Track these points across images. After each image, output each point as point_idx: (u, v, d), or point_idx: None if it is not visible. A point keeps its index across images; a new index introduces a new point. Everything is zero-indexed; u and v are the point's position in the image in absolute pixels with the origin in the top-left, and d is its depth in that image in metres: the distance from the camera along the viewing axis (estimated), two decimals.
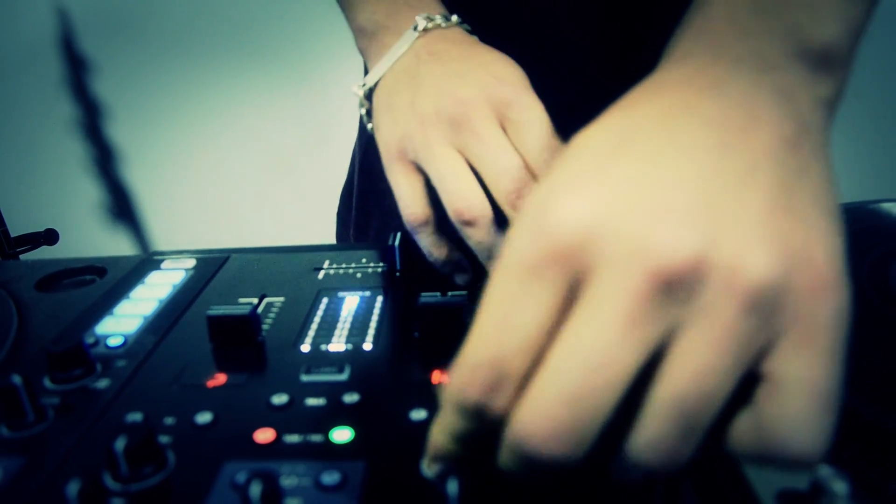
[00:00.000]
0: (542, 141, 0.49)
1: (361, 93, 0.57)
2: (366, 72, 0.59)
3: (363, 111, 0.58)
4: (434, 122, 0.50)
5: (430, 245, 0.54)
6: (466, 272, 0.55)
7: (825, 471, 0.30)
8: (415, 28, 0.55)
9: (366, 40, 0.59)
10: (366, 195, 0.86)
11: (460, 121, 0.49)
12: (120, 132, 1.92)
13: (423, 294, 0.49)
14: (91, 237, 2.00)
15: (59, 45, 1.82)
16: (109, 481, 0.34)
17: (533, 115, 0.49)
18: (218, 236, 1.99)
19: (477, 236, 0.49)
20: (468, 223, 0.49)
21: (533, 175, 0.48)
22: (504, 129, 0.50)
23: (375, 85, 0.56)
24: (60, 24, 1.80)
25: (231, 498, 0.33)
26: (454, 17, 0.57)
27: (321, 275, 0.59)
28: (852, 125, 1.84)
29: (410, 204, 0.52)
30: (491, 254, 0.50)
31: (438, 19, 0.56)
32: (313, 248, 0.65)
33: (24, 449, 0.38)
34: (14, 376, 0.38)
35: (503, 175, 0.48)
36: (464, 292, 0.53)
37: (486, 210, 0.49)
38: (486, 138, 0.49)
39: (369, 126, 0.58)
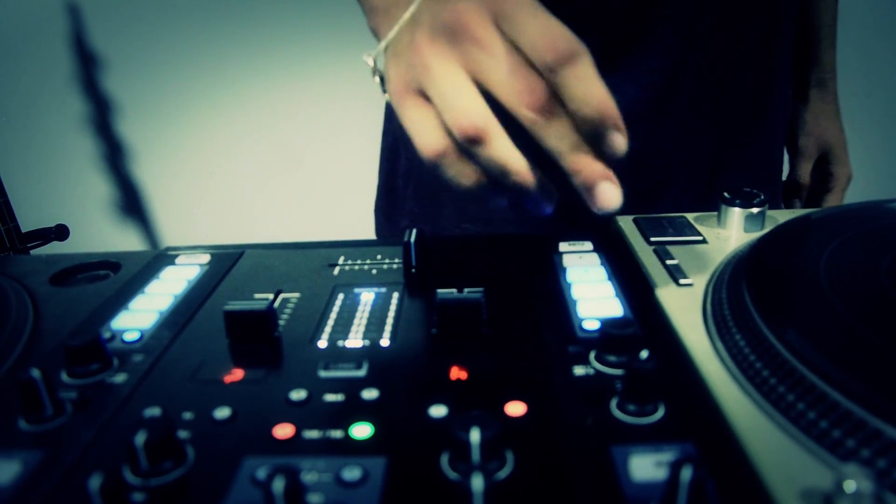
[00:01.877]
0: (537, 21, 0.45)
1: (372, 60, 0.55)
2: None
3: (377, 79, 0.56)
4: (430, 41, 0.48)
5: (457, 174, 0.50)
6: (502, 192, 0.51)
7: (850, 469, 0.29)
8: None
9: (378, 18, 0.58)
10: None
11: (457, 31, 0.46)
12: (130, 128, 1.92)
13: (439, 291, 0.49)
14: (101, 233, 2.01)
15: (69, 41, 1.82)
16: (129, 476, 0.34)
17: (529, 5, 0.46)
18: (228, 232, 1.99)
19: (485, 153, 0.46)
20: (473, 140, 0.45)
21: (535, 62, 0.45)
22: (500, 29, 0.46)
23: (385, 52, 0.54)
24: (71, 21, 1.80)
25: (252, 493, 0.33)
26: None
27: (336, 271, 0.59)
28: (868, 125, 1.84)
29: (424, 136, 0.48)
30: (506, 171, 0.47)
31: None
32: (328, 244, 0.65)
33: (42, 443, 0.38)
34: (33, 370, 0.38)
35: (511, 75, 0.45)
36: (480, 289, 0.53)
37: (490, 122, 0.45)
38: (486, 42, 0.45)
39: (386, 96, 0.56)
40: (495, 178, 0.47)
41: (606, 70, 0.75)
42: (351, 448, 0.36)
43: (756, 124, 0.88)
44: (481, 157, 0.46)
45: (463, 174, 0.49)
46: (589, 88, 0.44)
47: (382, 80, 0.55)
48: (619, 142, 0.46)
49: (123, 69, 1.86)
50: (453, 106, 0.46)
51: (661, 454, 0.35)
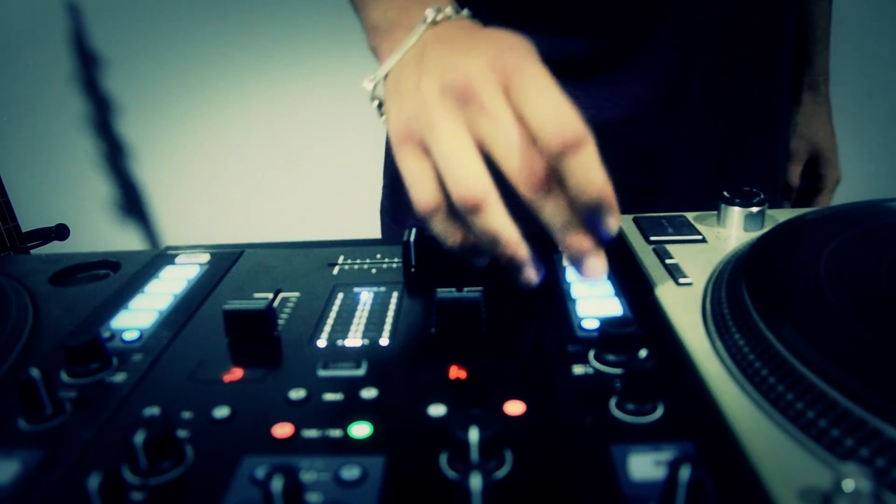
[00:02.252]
0: (547, 101, 0.45)
1: (371, 86, 0.56)
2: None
3: (374, 104, 0.57)
4: (439, 99, 0.48)
5: (444, 231, 0.50)
6: (484, 255, 0.52)
7: (849, 468, 0.29)
8: (425, 21, 0.54)
9: (378, 38, 0.59)
10: None
11: (465, 94, 0.46)
12: (130, 128, 1.92)
13: (439, 290, 0.49)
14: (101, 233, 2.01)
15: (70, 41, 1.82)
16: (128, 475, 0.34)
17: (538, 78, 0.46)
18: (228, 232, 1.99)
19: (480, 222, 0.46)
20: (471, 209, 0.46)
21: (540, 144, 0.45)
22: (509, 99, 0.46)
23: (385, 78, 0.55)
24: (71, 20, 1.80)
25: (251, 492, 0.33)
26: (465, 11, 0.56)
27: (336, 270, 0.59)
28: (869, 124, 1.84)
29: (419, 189, 0.49)
30: (498, 240, 0.47)
31: (448, 10, 0.55)
32: (327, 244, 0.65)
33: (42, 442, 0.38)
34: (32, 369, 0.38)
35: (514, 149, 0.45)
36: (480, 288, 0.53)
37: (489, 193, 0.45)
38: (493, 111, 0.46)
39: (382, 119, 0.57)
40: (485, 244, 0.48)
41: (613, 68, 0.76)
42: (350, 447, 0.36)
43: (760, 123, 0.88)
44: (475, 224, 0.47)
45: (450, 233, 0.50)
46: (591, 176, 0.44)
47: (380, 105, 0.56)
48: (613, 224, 0.47)
49: (124, 69, 1.86)
50: (455, 170, 0.46)
51: (659, 453, 0.35)
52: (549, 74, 0.47)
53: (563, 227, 0.46)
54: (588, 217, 0.46)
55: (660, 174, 0.84)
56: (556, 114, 0.44)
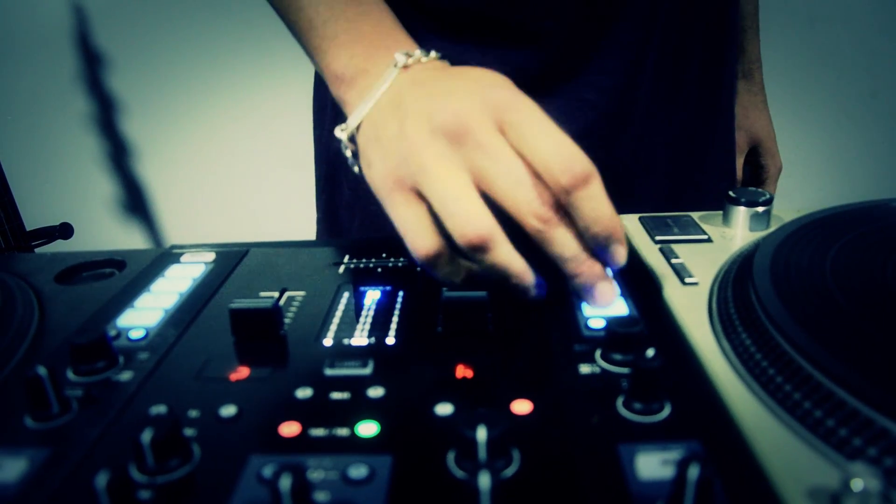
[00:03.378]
0: (549, 138, 0.45)
1: (345, 135, 0.54)
2: (344, 119, 0.56)
3: (348, 153, 0.55)
4: (430, 142, 0.47)
5: (448, 274, 0.50)
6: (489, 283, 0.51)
7: (857, 467, 0.29)
8: (395, 65, 0.53)
9: (344, 86, 0.57)
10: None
11: (460, 134, 0.46)
12: (135, 127, 1.92)
13: (445, 289, 0.49)
14: (105, 231, 2.01)
15: (74, 40, 1.83)
16: (136, 473, 0.34)
17: (533, 113, 0.46)
18: (233, 231, 1.99)
19: (488, 260, 0.46)
20: (477, 247, 0.45)
21: (548, 181, 0.45)
22: (505, 136, 0.46)
23: (358, 128, 0.54)
24: (76, 20, 1.80)
25: (258, 491, 0.33)
26: (433, 53, 0.55)
27: (341, 269, 0.59)
28: (873, 124, 1.84)
29: (417, 237, 0.48)
30: (508, 275, 0.47)
31: (418, 54, 0.54)
32: (332, 243, 0.65)
33: (49, 440, 0.38)
34: (39, 367, 0.38)
35: (519, 186, 0.45)
36: None
37: (494, 230, 0.45)
38: (492, 149, 0.45)
39: (356, 169, 0.55)
40: (496, 279, 0.47)
41: (566, 78, 0.75)
42: (357, 446, 0.36)
43: (712, 122, 0.87)
44: (484, 262, 0.46)
45: (456, 274, 0.50)
46: (600, 208, 0.45)
47: (355, 154, 0.55)
48: (622, 254, 0.47)
49: (128, 68, 1.86)
50: (456, 212, 0.45)
51: (667, 452, 0.35)
52: (537, 106, 0.47)
53: (571, 259, 0.47)
54: (596, 248, 0.47)
55: (619, 184, 0.81)
56: (560, 150, 0.44)
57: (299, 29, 0.62)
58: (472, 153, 0.46)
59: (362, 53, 0.56)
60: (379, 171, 0.50)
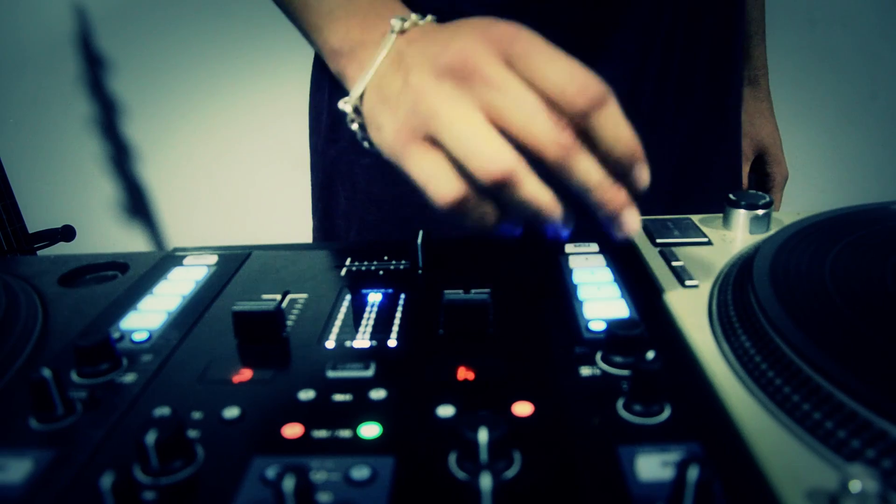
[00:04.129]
0: (559, 64, 0.44)
1: (350, 107, 0.53)
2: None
3: (355, 126, 0.54)
4: (436, 86, 0.45)
5: (478, 219, 0.47)
6: (519, 224, 0.50)
7: (855, 469, 0.29)
8: (392, 31, 0.52)
9: (343, 60, 0.57)
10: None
11: (466, 72, 0.44)
12: (136, 130, 1.93)
13: (446, 291, 0.49)
14: (108, 234, 2.01)
15: (76, 42, 1.83)
16: (140, 475, 0.34)
17: (539, 43, 0.45)
18: (235, 234, 1.99)
19: (517, 195, 0.44)
20: (503, 184, 0.43)
21: (564, 106, 0.43)
22: (513, 68, 0.45)
23: (362, 98, 0.53)
24: (78, 22, 1.81)
25: (261, 492, 0.34)
26: (429, 16, 0.54)
27: (343, 272, 0.59)
28: (873, 127, 1.84)
29: (440, 184, 0.46)
30: (538, 209, 0.45)
31: (414, 17, 0.53)
32: (334, 246, 0.65)
33: (53, 442, 0.38)
34: (44, 370, 0.39)
35: (535, 116, 0.43)
36: (487, 289, 0.53)
37: (517, 164, 0.43)
38: (501, 82, 0.44)
39: (365, 143, 0.55)
40: (526, 216, 0.46)
41: None
42: (359, 447, 0.37)
43: (717, 128, 0.86)
44: (512, 199, 0.45)
45: (486, 216, 0.48)
46: (619, 130, 0.44)
47: (362, 127, 0.54)
48: (645, 175, 0.46)
49: (130, 71, 1.87)
50: (476, 151, 0.44)
51: (667, 454, 0.35)
52: (545, 39, 0.45)
53: (596, 186, 0.45)
54: (619, 172, 0.46)
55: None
56: (573, 74, 0.44)
57: (294, 9, 0.62)
58: (481, 90, 0.44)
59: (359, 25, 0.56)
60: (390, 130, 0.49)
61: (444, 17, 0.67)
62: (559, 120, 0.44)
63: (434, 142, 0.46)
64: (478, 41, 0.45)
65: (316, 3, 0.59)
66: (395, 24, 0.52)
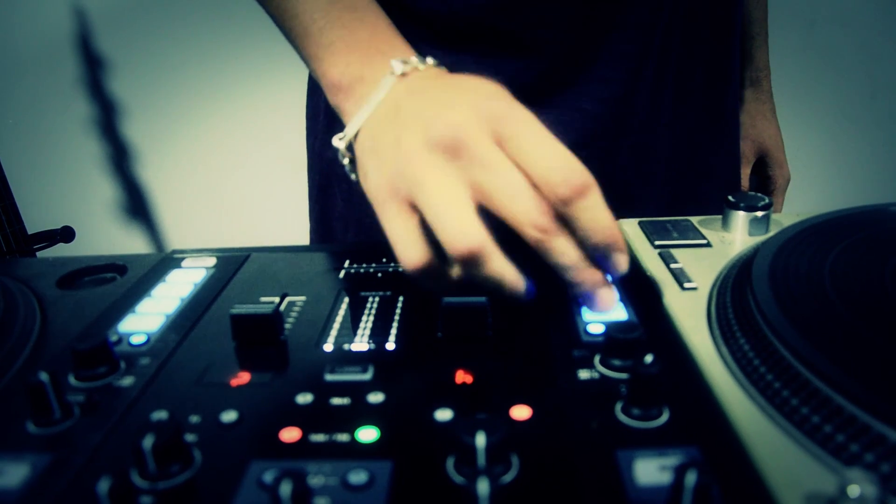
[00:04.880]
0: (546, 149, 0.45)
1: (343, 145, 0.54)
2: (337, 128, 0.56)
3: (346, 162, 0.55)
4: (425, 154, 0.46)
5: (437, 286, 0.49)
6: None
7: (854, 473, 0.29)
8: (392, 73, 0.53)
9: (342, 94, 0.57)
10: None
11: (456, 147, 0.45)
12: (136, 131, 1.93)
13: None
14: (107, 235, 2.01)
15: (75, 44, 1.83)
16: (137, 479, 0.34)
17: (530, 125, 0.46)
18: (234, 236, 1.99)
19: (483, 271, 0.45)
20: (470, 260, 0.44)
21: (546, 192, 0.45)
22: (502, 147, 0.46)
23: (356, 136, 0.53)
24: (77, 24, 1.81)
25: (259, 496, 0.33)
26: (430, 59, 0.55)
27: (342, 274, 0.59)
28: (872, 127, 1.84)
29: (407, 248, 0.47)
30: (501, 286, 0.46)
31: (415, 60, 0.54)
32: (333, 248, 0.65)
33: (51, 446, 0.38)
34: (41, 373, 0.39)
35: (518, 197, 0.44)
36: None
37: (486, 243, 0.44)
38: (489, 162, 0.45)
39: (353, 177, 0.55)
40: (489, 289, 0.47)
41: (562, 88, 0.75)
42: (357, 451, 0.37)
43: (715, 130, 0.86)
44: (478, 274, 0.46)
45: (445, 285, 0.49)
46: (599, 219, 0.45)
47: (352, 162, 0.55)
48: (623, 263, 0.47)
49: (129, 72, 1.86)
50: (448, 225, 0.45)
51: (665, 458, 0.35)
52: (534, 117, 0.46)
53: (571, 267, 0.46)
54: (597, 256, 0.47)
55: (619, 195, 0.79)
56: (558, 162, 0.44)
57: (295, 36, 0.62)
58: (468, 166, 0.45)
59: (358, 61, 0.56)
60: (374, 181, 0.50)
61: (441, 18, 0.67)
62: (540, 203, 0.45)
63: (413, 206, 0.47)
64: (472, 116, 0.46)
65: (317, 34, 0.59)
66: (397, 66, 0.53)
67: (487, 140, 0.45)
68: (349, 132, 0.54)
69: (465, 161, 0.45)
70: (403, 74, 0.53)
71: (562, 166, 0.44)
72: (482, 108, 0.46)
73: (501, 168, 0.45)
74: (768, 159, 1.01)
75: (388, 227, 0.49)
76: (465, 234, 0.44)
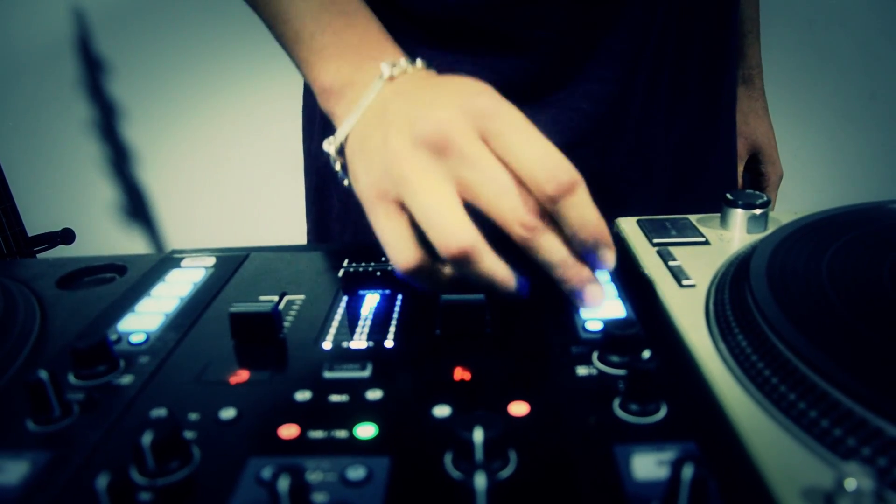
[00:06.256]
0: (533, 146, 0.45)
1: (333, 149, 0.54)
2: (332, 131, 0.56)
3: (338, 167, 0.55)
4: (412, 153, 0.46)
5: (430, 285, 0.50)
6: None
7: (851, 467, 0.29)
8: (380, 77, 0.53)
9: (332, 99, 0.57)
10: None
11: (442, 145, 0.45)
12: (135, 132, 1.93)
13: None
14: (107, 237, 2.01)
15: (75, 45, 1.83)
16: (136, 476, 0.34)
17: (517, 122, 0.46)
18: (233, 235, 1.99)
19: (475, 269, 0.45)
20: (461, 259, 0.45)
21: (533, 189, 0.45)
22: (488, 144, 0.46)
23: (346, 140, 0.53)
24: (77, 25, 1.81)
25: (257, 493, 0.34)
26: (419, 61, 0.55)
27: (340, 273, 0.59)
28: (872, 127, 1.84)
29: (398, 249, 0.48)
30: (493, 284, 0.46)
31: (403, 63, 0.54)
32: (332, 247, 0.66)
33: (50, 443, 0.38)
34: (41, 371, 0.39)
35: (504, 195, 0.44)
36: None
37: (477, 241, 0.45)
38: (475, 159, 0.45)
39: (346, 182, 0.55)
40: (481, 287, 0.47)
41: (558, 87, 0.75)
42: (355, 448, 0.37)
43: (711, 126, 0.86)
44: (468, 274, 0.46)
45: (437, 284, 0.49)
46: (586, 215, 0.45)
47: (344, 167, 0.55)
48: (610, 258, 0.47)
49: (129, 74, 1.87)
50: (439, 225, 0.45)
51: (663, 453, 0.35)
52: (521, 113, 0.46)
53: (559, 264, 0.46)
54: (584, 252, 0.47)
55: (616, 194, 0.81)
56: (545, 159, 0.44)
57: (287, 41, 0.62)
58: (454, 164, 0.45)
59: (349, 65, 0.56)
60: (363, 183, 0.50)
61: (437, 18, 0.67)
62: (527, 200, 0.45)
63: (402, 206, 0.47)
64: (457, 114, 0.46)
65: (308, 39, 0.59)
66: (385, 69, 0.53)
67: (473, 137, 0.45)
68: (339, 136, 0.54)
69: (452, 158, 0.45)
70: (392, 77, 0.53)
71: (548, 163, 0.44)
72: (468, 106, 0.46)
73: (487, 165, 0.45)
74: (761, 156, 1.02)
75: (378, 229, 0.49)
76: (455, 234, 0.44)
